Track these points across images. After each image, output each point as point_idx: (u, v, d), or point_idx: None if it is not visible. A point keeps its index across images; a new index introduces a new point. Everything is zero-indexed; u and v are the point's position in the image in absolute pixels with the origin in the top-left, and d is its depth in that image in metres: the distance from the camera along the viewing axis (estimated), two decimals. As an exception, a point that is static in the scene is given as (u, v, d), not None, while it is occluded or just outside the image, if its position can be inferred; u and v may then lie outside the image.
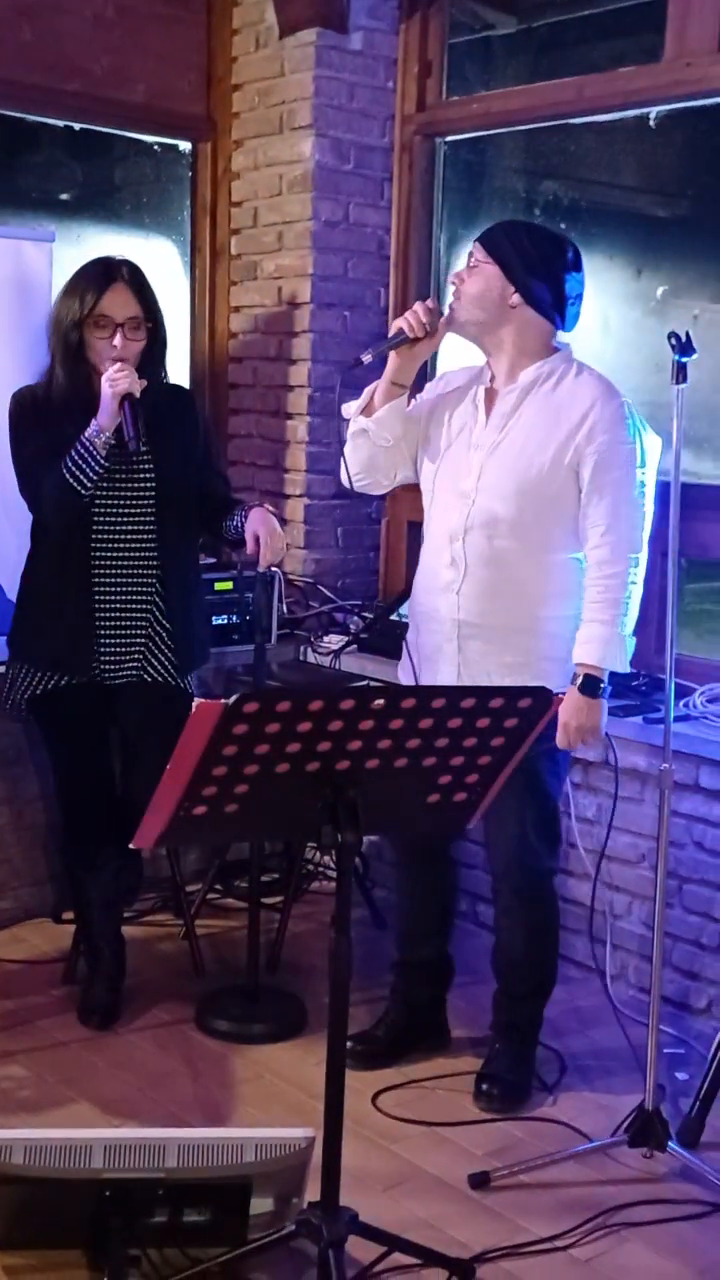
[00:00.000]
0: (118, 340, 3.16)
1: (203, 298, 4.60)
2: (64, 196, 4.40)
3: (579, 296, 3.04)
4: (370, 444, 3.08)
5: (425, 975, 3.31)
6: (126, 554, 3.28)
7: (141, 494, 3.28)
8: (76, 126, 4.29)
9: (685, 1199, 2.74)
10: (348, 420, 3.12)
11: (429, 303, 3.01)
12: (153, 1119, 2.97)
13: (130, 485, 3.27)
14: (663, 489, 2.87)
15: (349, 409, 3.12)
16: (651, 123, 3.85)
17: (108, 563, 3.28)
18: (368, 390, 3.10)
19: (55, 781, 3.59)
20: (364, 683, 3.88)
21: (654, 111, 3.84)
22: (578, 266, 3.02)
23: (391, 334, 3.03)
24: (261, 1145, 2.38)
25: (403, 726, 2.14)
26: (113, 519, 3.26)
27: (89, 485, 3.14)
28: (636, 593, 2.95)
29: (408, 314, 2.99)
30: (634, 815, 3.59)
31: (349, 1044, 3.02)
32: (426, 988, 3.31)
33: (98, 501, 3.22)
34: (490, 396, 3.04)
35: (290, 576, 4.37)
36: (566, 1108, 3.11)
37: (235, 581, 4.13)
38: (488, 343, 3.04)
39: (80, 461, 3.12)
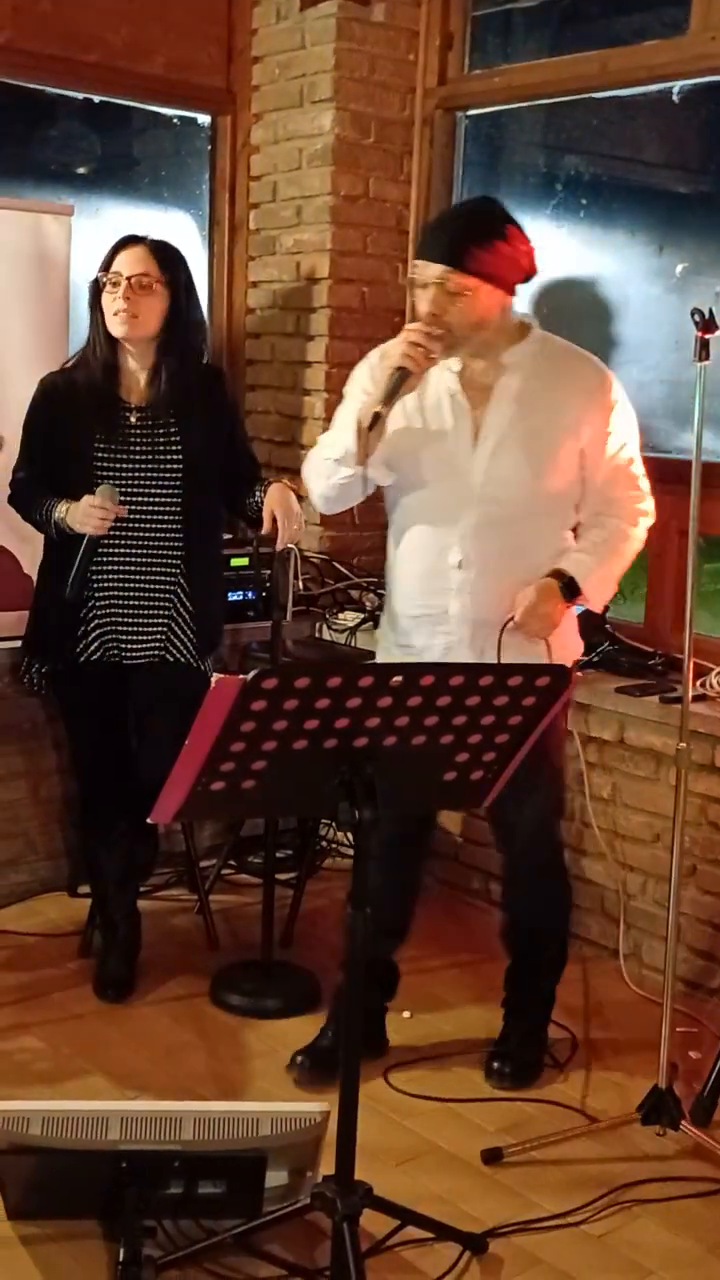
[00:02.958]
0: (122, 294, 3.14)
1: (221, 273, 4.59)
2: (82, 170, 4.38)
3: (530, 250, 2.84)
4: (364, 482, 2.89)
5: (373, 982, 3.03)
6: (151, 534, 3.28)
7: (168, 475, 3.27)
8: (95, 99, 4.28)
9: (697, 1176, 2.75)
10: (335, 463, 2.86)
11: (419, 333, 2.73)
12: (167, 1092, 2.98)
13: (156, 466, 3.26)
14: (682, 466, 2.86)
15: (332, 453, 2.86)
16: (675, 97, 3.82)
17: (132, 542, 3.27)
18: (346, 433, 2.82)
19: (72, 756, 3.60)
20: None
21: (677, 86, 3.80)
22: (512, 219, 2.83)
23: (394, 377, 2.72)
24: (277, 1119, 2.39)
25: (421, 704, 2.14)
26: (138, 498, 3.25)
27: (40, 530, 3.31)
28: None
29: (408, 349, 2.71)
30: (649, 795, 3.58)
31: (297, 1059, 3.05)
32: (374, 996, 3.13)
33: (123, 481, 3.22)
34: (470, 387, 2.86)
35: (306, 553, 4.36)
36: (579, 1085, 3.11)
37: (251, 558, 4.13)
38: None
39: (40, 520, 3.25)
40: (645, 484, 2.99)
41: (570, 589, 2.87)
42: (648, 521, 3.01)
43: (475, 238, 2.73)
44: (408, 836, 3.04)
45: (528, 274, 2.82)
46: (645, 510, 3.00)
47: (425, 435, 2.87)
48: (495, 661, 2.85)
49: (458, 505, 2.87)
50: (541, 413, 2.86)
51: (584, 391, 2.89)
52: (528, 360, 2.87)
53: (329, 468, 2.88)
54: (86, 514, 3.12)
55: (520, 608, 2.84)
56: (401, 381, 2.72)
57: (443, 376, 2.86)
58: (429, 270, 2.75)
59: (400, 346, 2.73)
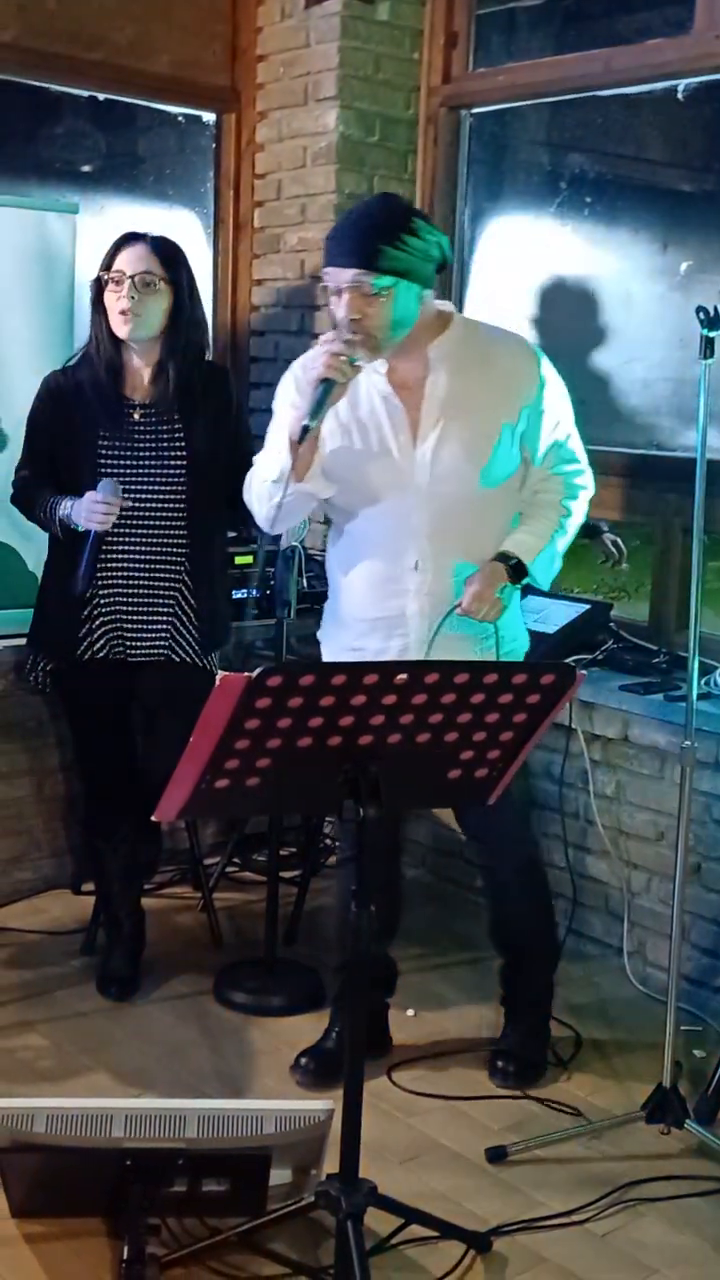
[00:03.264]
0: (125, 292, 3.14)
1: (225, 271, 4.59)
2: (87, 168, 4.38)
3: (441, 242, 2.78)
4: (311, 498, 2.86)
5: (372, 980, 3.08)
6: (156, 532, 3.28)
7: (172, 473, 3.27)
8: (100, 97, 4.28)
9: (702, 1175, 2.74)
10: (273, 484, 2.79)
11: (337, 342, 2.67)
12: (171, 1089, 2.99)
13: (160, 464, 3.26)
14: (687, 465, 2.86)
15: (269, 475, 2.80)
16: (680, 96, 3.82)
17: (137, 540, 3.27)
18: (280, 454, 2.78)
19: (77, 754, 3.60)
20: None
21: (682, 84, 3.80)
22: (417, 211, 2.81)
23: (319, 389, 2.65)
24: (281, 1117, 2.40)
25: (426, 702, 2.13)
26: (142, 496, 3.25)
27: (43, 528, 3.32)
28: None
29: (329, 360, 2.64)
30: (653, 792, 3.58)
31: (301, 1060, 3.05)
32: (374, 994, 3.14)
33: (127, 480, 3.22)
34: (401, 387, 2.81)
35: (310, 551, 4.35)
36: (583, 1084, 3.11)
37: (256, 555, 4.13)
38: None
39: (44, 517, 3.26)
40: (583, 456, 2.99)
41: (517, 571, 2.86)
42: (588, 494, 3.00)
43: (383, 236, 2.66)
44: (387, 834, 3.03)
45: (441, 264, 2.78)
46: (585, 483, 2.99)
47: (365, 445, 2.82)
48: (430, 647, 2.82)
49: (408, 508, 2.83)
50: (476, 401, 2.82)
51: (515, 373, 2.85)
52: (455, 351, 2.83)
53: (269, 490, 2.81)
54: (90, 510, 3.12)
55: (468, 593, 2.82)
56: (327, 393, 2.65)
57: (372, 381, 2.81)
58: (341, 275, 2.67)
59: (321, 358, 2.66)
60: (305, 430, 2.65)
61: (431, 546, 2.84)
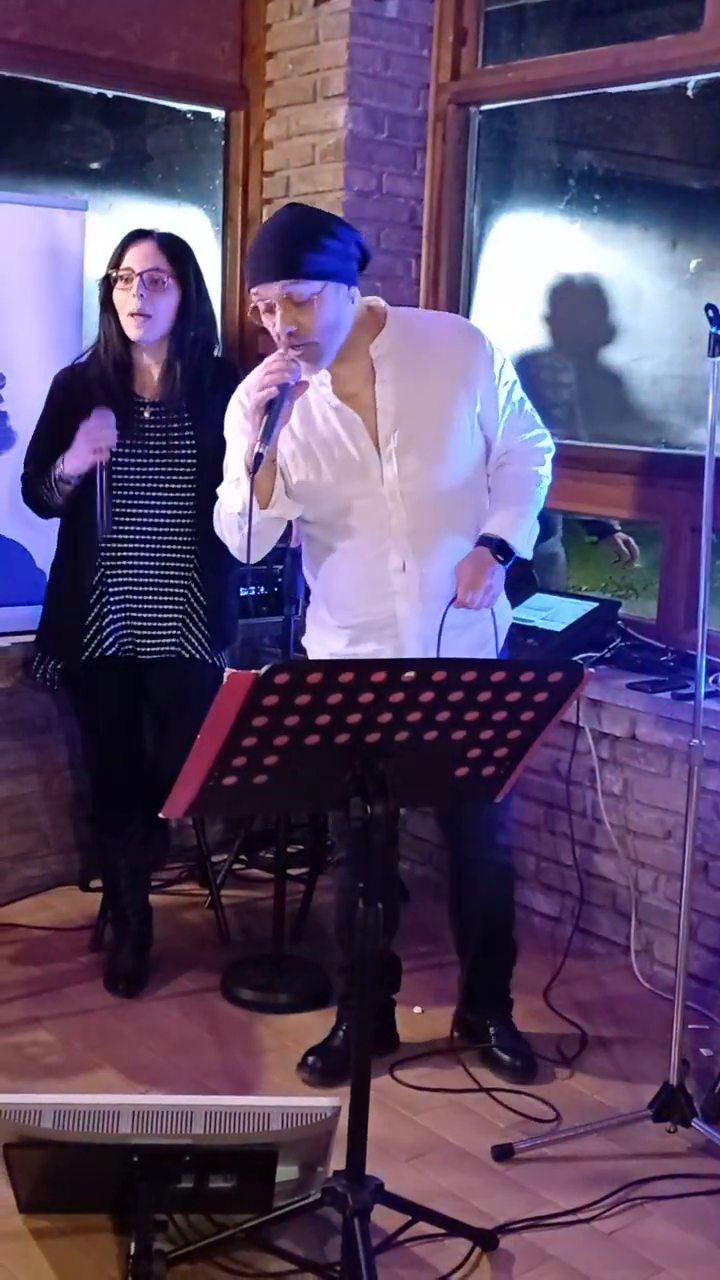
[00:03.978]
0: (135, 291, 3.14)
1: (234, 267, 4.58)
2: (96, 165, 4.38)
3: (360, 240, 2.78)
4: (279, 522, 2.84)
5: (378, 977, 3.07)
6: (164, 527, 3.28)
7: (182, 470, 3.28)
8: (109, 94, 4.27)
9: (709, 1174, 2.74)
10: (239, 517, 2.77)
11: (274, 360, 2.65)
12: (178, 1086, 2.99)
13: (170, 461, 3.27)
14: (696, 462, 2.85)
15: (233, 508, 2.79)
16: (689, 93, 3.81)
17: (146, 537, 3.28)
18: (238, 486, 2.77)
19: (85, 751, 3.61)
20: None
21: (692, 81, 3.79)
22: (327, 214, 2.83)
23: (266, 414, 2.61)
24: (288, 1114, 2.40)
25: (433, 699, 2.14)
26: (152, 493, 3.26)
27: (53, 510, 3.30)
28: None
29: (267, 379, 2.62)
30: (660, 790, 3.58)
31: (308, 1059, 3.05)
32: (379, 990, 3.12)
33: (136, 476, 3.22)
34: (349, 395, 2.79)
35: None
36: (590, 1082, 3.11)
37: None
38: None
39: (47, 493, 3.26)
40: (537, 418, 2.99)
41: (502, 550, 2.86)
42: (550, 455, 3.00)
43: (302, 243, 2.64)
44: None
45: (363, 260, 2.77)
46: (546, 445, 2.99)
47: (329, 460, 2.80)
48: (438, 650, 2.80)
49: (383, 512, 2.81)
50: (428, 394, 2.80)
51: (460, 356, 2.84)
52: (395, 346, 2.80)
53: (236, 521, 2.80)
54: (87, 438, 3.11)
55: (461, 584, 2.82)
56: (275, 417, 2.61)
57: (320, 395, 2.79)
58: (269, 290, 2.65)
59: (260, 379, 2.64)
60: (259, 458, 2.62)
61: (413, 545, 2.83)
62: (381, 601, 2.86)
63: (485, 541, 2.85)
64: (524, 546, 2.92)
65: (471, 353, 2.84)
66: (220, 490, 2.90)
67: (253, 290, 2.71)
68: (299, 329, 2.65)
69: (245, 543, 2.71)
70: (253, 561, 2.78)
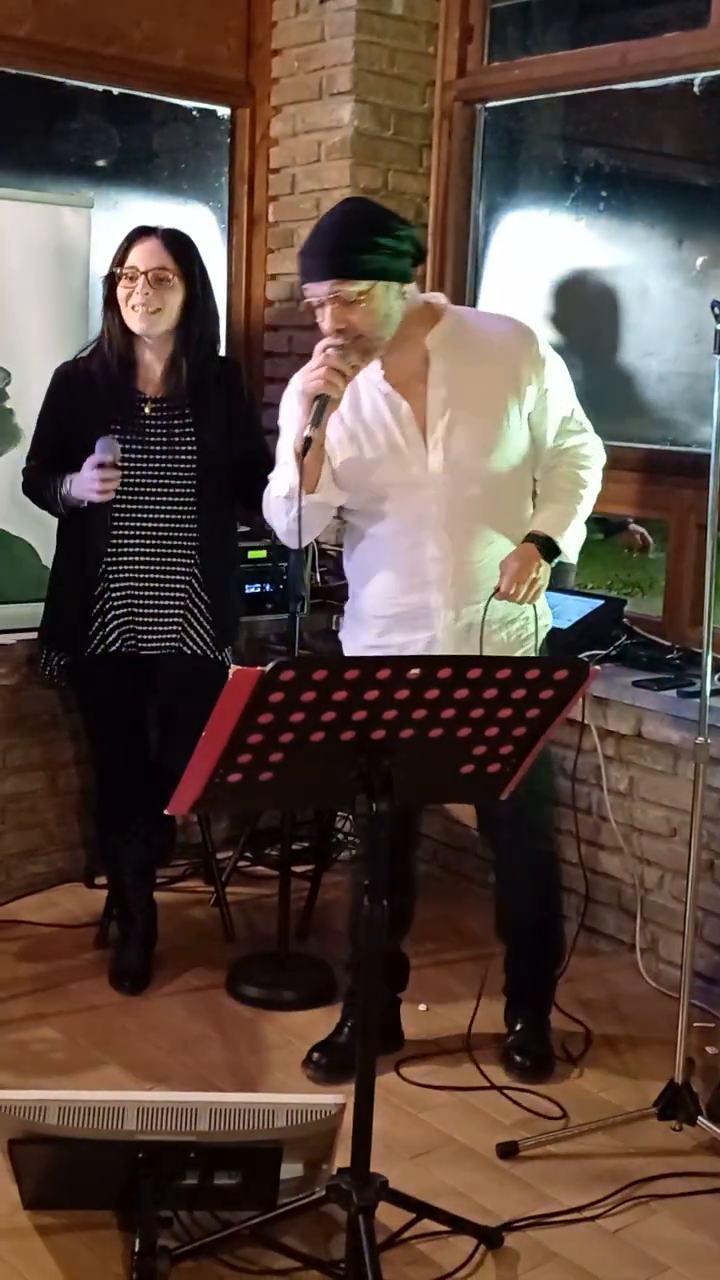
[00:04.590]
0: (140, 289, 3.14)
1: (239, 265, 4.59)
2: (102, 162, 4.39)
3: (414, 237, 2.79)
4: (326, 508, 2.87)
5: (385, 976, 2.98)
6: (166, 524, 3.29)
7: (183, 466, 3.28)
8: (115, 91, 4.27)
9: (713, 1172, 2.74)
10: (285, 500, 2.80)
11: (331, 356, 2.67)
12: (183, 1083, 2.99)
13: (172, 457, 3.27)
14: (701, 460, 2.85)
15: (280, 491, 2.83)
16: (696, 90, 3.80)
17: (147, 533, 3.28)
18: (287, 468, 2.80)
19: (90, 747, 3.61)
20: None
21: (698, 78, 3.78)
22: (382, 208, 2.84)
23: (315, 404, 2.66)
24: (293, 1111, 2.40)
25: (438, 696, 2.13)
26: (153, 489, 3.26)
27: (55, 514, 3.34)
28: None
29: (323, 375, 2.65)
30: (666, 789, 3.57)
31: (313, 1055, 3.05)
32: (385, 988, 3.11)
33: (138, 473, 3.23)
34: (399, 383, 2.81)
35: (324, 545, 4.36)
36: (595, 1080, 3.11)
37: (269, 550, 4.13)
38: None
39: (48, 503, 3.28)
40: (589, 425, 2.99)
41: (549, 548, 2.86)
42: (601, 460, 3.00)
43: (353, 242, 2.66)
44: (401, 831, 3.01)
45: (416, 256, 2.77)
46: (596, 452, 3.00)
47: (374, 446, 2.82)
48: (480, 642, 2.82)
49: (423, 501, 2.83)
50: (479, 387, 2.82)
51: (514, 354, 2.85)
52: (450, 339, 2.83)
53: (283, 505, 2.82)
54: (89, 482, 3.12)
55: (507, 576, 2.82)
56: (324, 405, 2.66)
57: (371, 381, 2.81)
58: (319, 289, 2.68)
59: (316, 372, 2.66)
60: (308, 442, 2.66)
61: (450, 536, 2.84)
62: (416, 591, 2.88)
63: (532, 538, 2.86)
64: (570, 547, 2.92)
65: (525, 352, 2.86)
66: (271, 476, 2.92)
67: (303, 286, 2.73)
68: (348, 327, 2.68)
69: (292, 526, 2.74)
70: (299, 546, 2.82)
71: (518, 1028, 3.19)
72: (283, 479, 2.83)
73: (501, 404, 2.83)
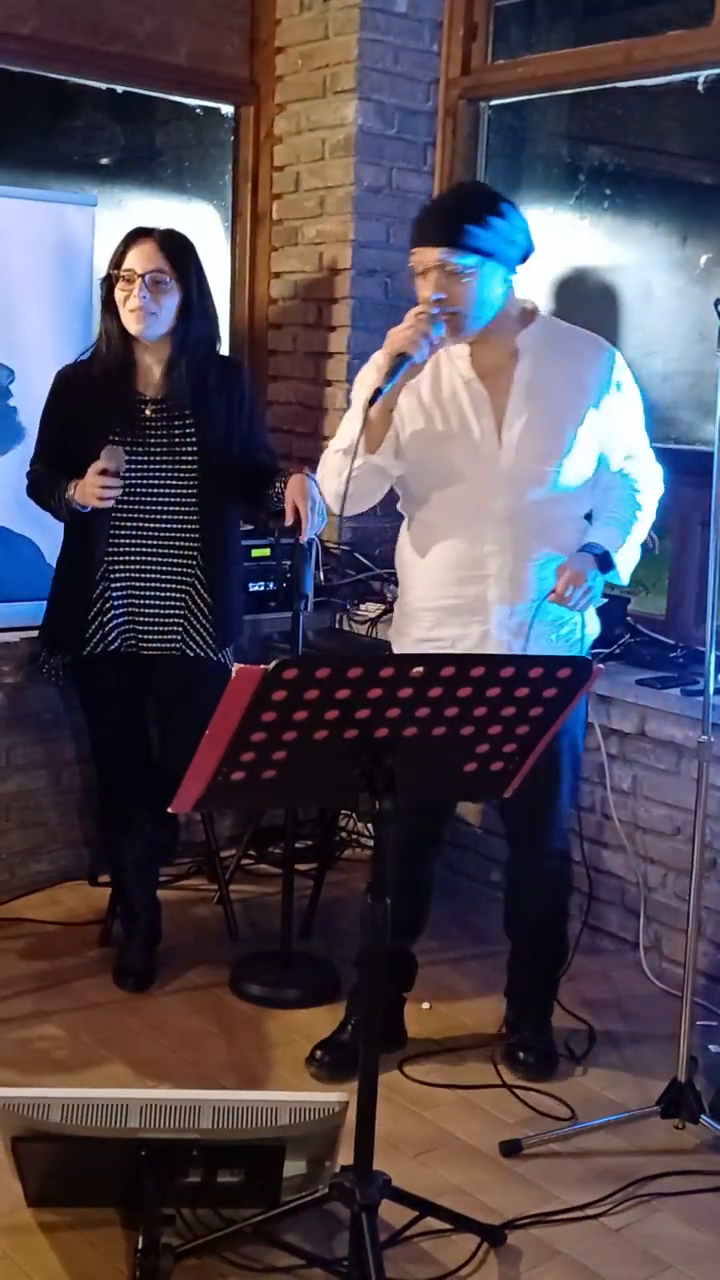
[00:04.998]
0: (138, 291, 3.15)
1: (243, 263, 4.59)
2: (105, 160, 4.39)
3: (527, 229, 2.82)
4: (382, 474, 2.87)
5: (391, 975, 3.07)
6: (168, 524, 3.29)
7: (184, 467, 3.28)
8: (119, 89, 4.28)
9: (716, 1170, 2.74)
10: (343, 454, 2.80)
11: (420, 316, 2.68)
12: (186, 1081, 2.99)
13: (173, 458, 3.27)
14: (704, 459, 2.84)
15: (341, 443, 2.84)
16: (700, 87, 3.80)
17: (149, 534, 3.28)
18: (353, 422, 2.80)
19: (92, 746, 3.61)
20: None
21: (702, 76, 3.78)
22: (505, 196, 2.82)
23: (393, 362, 2.65)
24: (295, 1109, 2.40)
25: (441, 695, 2.13)
26: (155, 490, 3.26)
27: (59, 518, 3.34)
28: None
29: (410, 335, 2.65)
30: (670, 787, 3.57)
31: (316, 1054, 3.06)
32: (391, 988, 3.14)
33: (139, 474, 3.23)
34: (483, 373, 2.83)
35: (327, 544, 4.36)
36: (598, 1078, 3.11)
37: (273, 548, 4.13)
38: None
39: (54, 504, 3.27)
40: (652, 457, 3.01)
41: (604, 562, 2.87)
42: (658, 494, 3.02)
43: (470, 216, 2.69)
44: (425, 833, 3.04)
45: (526, 250, 2.80)
46: (656, 485, 3.01)
47: (446, 425, 2.85)
48: (528, 637, 2.84)
49: (487, 492, 2.85)
50: (559, 394, 2.85)
51: (595, 372, 2.89)
52: (539, 343, 2.86)
53: (339, 461, 2.83)
54: (90, 487, 3.12)
55: (563, 579, 2.82)
56: (403, 365, 2.65)
57: (455, 367, 2.84)
58: (427, 255, 2.71)
59: (404, 332, 2.67)
60: (378, 393, 2.65)
61: (511, 532, 2.85)
62: (473, 584, 2.88)
63: (589, 549, 2.87)
64: (624, 566, 2.93)
65: (606, 370, 2.90)
66: (331, 442, 2.93)
67: (411, 251, 2.75)
68: (448, 298, 2.69)
69: (343, 487, 2.73)
70: (346, 513, 2.83)
71: (521, 1026, 3.19)
72: (344, 433, 2.84)
73: (575, 416, 2.85)
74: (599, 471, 2.95)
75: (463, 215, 2.70)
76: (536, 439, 2.83)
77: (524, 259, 2.81)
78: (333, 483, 2.88)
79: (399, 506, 3.03)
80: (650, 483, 3.00)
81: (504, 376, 2.84)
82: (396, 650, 3.05)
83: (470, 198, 2.79)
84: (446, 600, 2.92)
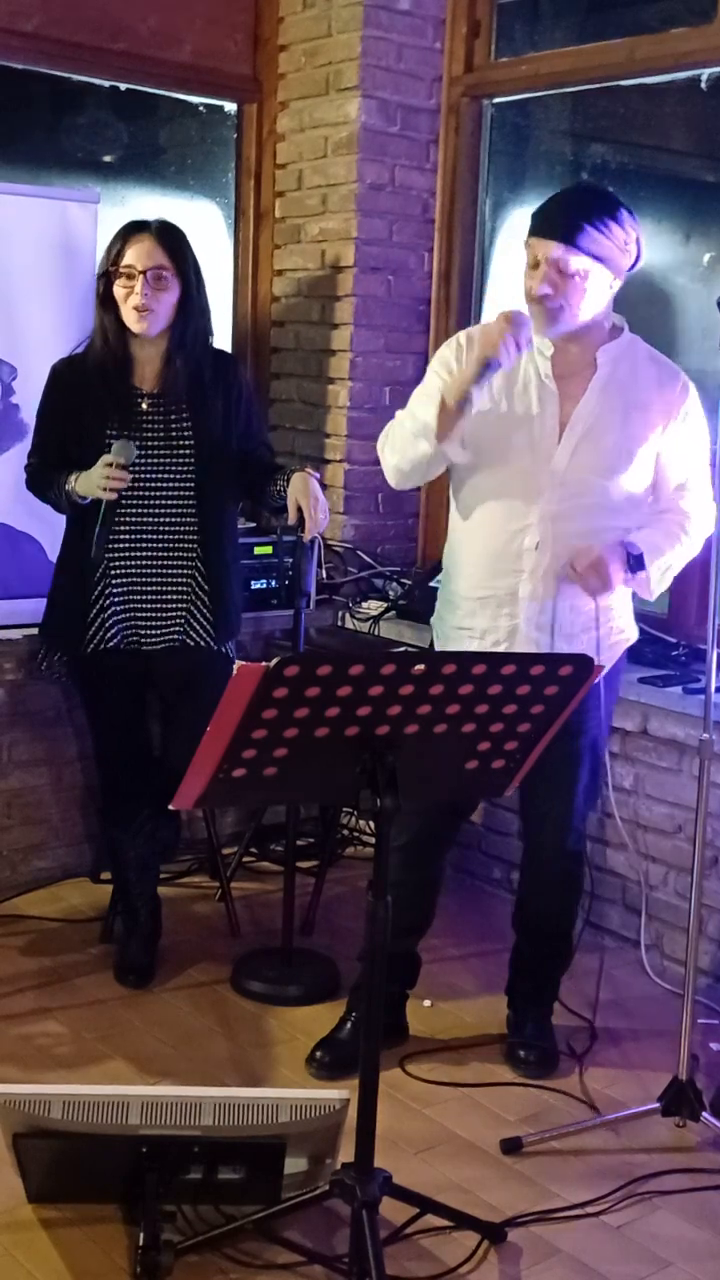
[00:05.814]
0: (140, 289, 3.15)
1: (246, 261, 4.59)
2: (109, 158, 4.39)
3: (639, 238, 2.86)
4: (443, 459, 2.89)
5: (395, 972, 3.08)
6: (166, 519, 3.29)
7: (181, 461, 3.28)
8: (122, 87, 4.28)
9: (717, 1169, 2.74)
10: (413, 437, 2.87)
11: (515, 320, 2.73)
12: (187, 1077, 3.00)
13: (170, 452, 3.27)
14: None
15: (414, 425, 2.87)
16: (703, 85, 3.79)
17: (148, 529, 3.28)
18: (428, 409, 2.81)
19: (94, 743, 3.61)
20: (402, 648, 3.87)
21: (705, 74, 3.78)
22: (624, 203, 2.86)
23: (483, 366, 2.71)
24: (297, 1106, 2.40)
25: (443, 692, 2.14)
26: (152, 485, 3.26)
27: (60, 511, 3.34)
28: None
29: (503, 344, 2.70)
30: (671, 785, 3.57)
31: (316, 1053, 3.06)
32: (395, 985, 3.15)
33: (137, 468, 3.23)
34: (560, 374, 2.87)
35: (330, 542, 4.36)
36: (599, 1076, 3.11)
37: (275, 546, 4.13)
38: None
39: (55, 496, 3.27)
40: (710, 494, 2.94)
41: (636, 563, 2.87)
42: (707, 533, 2.97)
43: (592, 218, 2.73)
44: (436, 833, 3.05)
45: (635, 260, 2.83)
46: (707, 523, 2.96)
47: (511, 417, 2.87)
48: (551, 637, 2.88)
49: (537, 488, 2.86)
50: (628, 411, 2.87)
51: (668, 398, 2.91)
52: (619, 359, 2.89)
53: (407, 441, 2.88)
54: (99, 477, 3.12)
55: (586, 558, 2.83)
56: (489, 368, 2.71)
57: (534, 361, 2.87)
58: (544, 248, 2.75)
59: (494, 338, 2.71)
60: (467, 399, 2.71)
61: (553, 531, 2.86)
62: (507, 576, 2.90)
63: (625, 545, 2.87)
64: (655, 577, 2.92)
65: (678, 397, 2.92)
66: (399, 413, 2.95)
67: (528, 240, 2.79)
68: (554, 293, 2.75)
69: (405, 465, 2.87)
70: (401, 487, 3.01)
71: (522, 1024, 3.19)
72: (417, 417, 2.86)
73: (640, 436, 2.87)
74: (658, 494, 2.95)
75: (586, 215, 2.74)
76: (594, 449, 2.85)
77: (632, 268, 2.84)
78: (394, 458, 2.94)
79: (451, 493, 3.05)
80: (701, 519, 2.96)
81: (579, 383, 2.86)
82: (436, 638, 3.09)
83: (595, 199, 2.82)
84: (482, 590, 2.95)
